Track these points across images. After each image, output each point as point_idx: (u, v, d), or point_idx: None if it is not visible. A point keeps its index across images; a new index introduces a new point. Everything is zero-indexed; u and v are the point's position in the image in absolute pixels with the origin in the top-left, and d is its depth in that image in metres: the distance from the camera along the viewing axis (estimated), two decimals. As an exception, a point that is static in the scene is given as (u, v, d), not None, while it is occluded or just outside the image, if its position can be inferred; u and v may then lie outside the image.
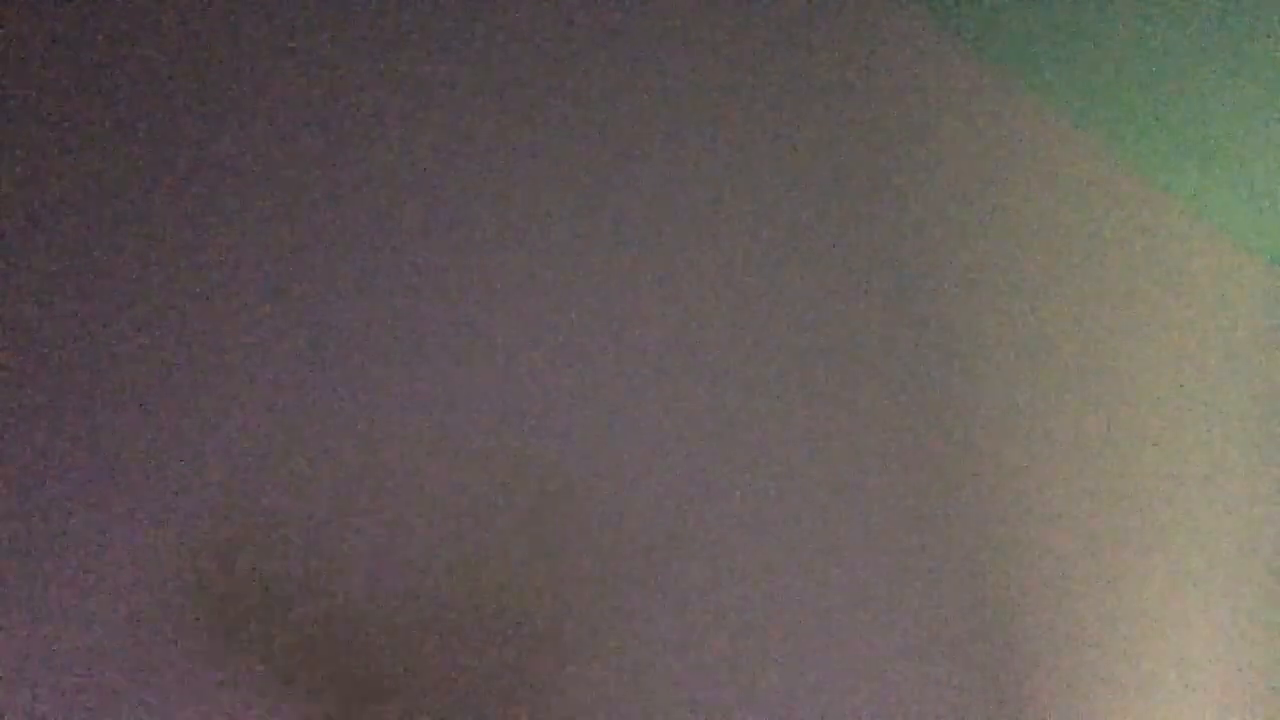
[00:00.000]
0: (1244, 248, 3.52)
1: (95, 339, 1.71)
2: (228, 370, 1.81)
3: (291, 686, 1.78)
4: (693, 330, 2.34)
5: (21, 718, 1.55)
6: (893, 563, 2.53)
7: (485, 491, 2.03)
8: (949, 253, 2.78)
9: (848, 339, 2.55)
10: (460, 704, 1.92)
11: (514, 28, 2.19)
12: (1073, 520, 2.90)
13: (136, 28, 1.81)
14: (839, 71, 2.66)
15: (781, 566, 2.37)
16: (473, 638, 1.96)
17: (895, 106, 2.77)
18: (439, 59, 2.11)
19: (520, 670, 2.00)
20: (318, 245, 1.94)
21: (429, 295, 2.03)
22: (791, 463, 2.42)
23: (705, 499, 2.29)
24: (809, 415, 2.47)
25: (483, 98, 2.15)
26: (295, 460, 1.84)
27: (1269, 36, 2.86)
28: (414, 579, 1.93)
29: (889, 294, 2.66)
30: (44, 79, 1.72)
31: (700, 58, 2.45)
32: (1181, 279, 3.32)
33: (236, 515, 1.78)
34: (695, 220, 2.39)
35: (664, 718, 2.13)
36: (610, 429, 2.20)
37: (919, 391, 2.66)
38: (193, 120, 1.84)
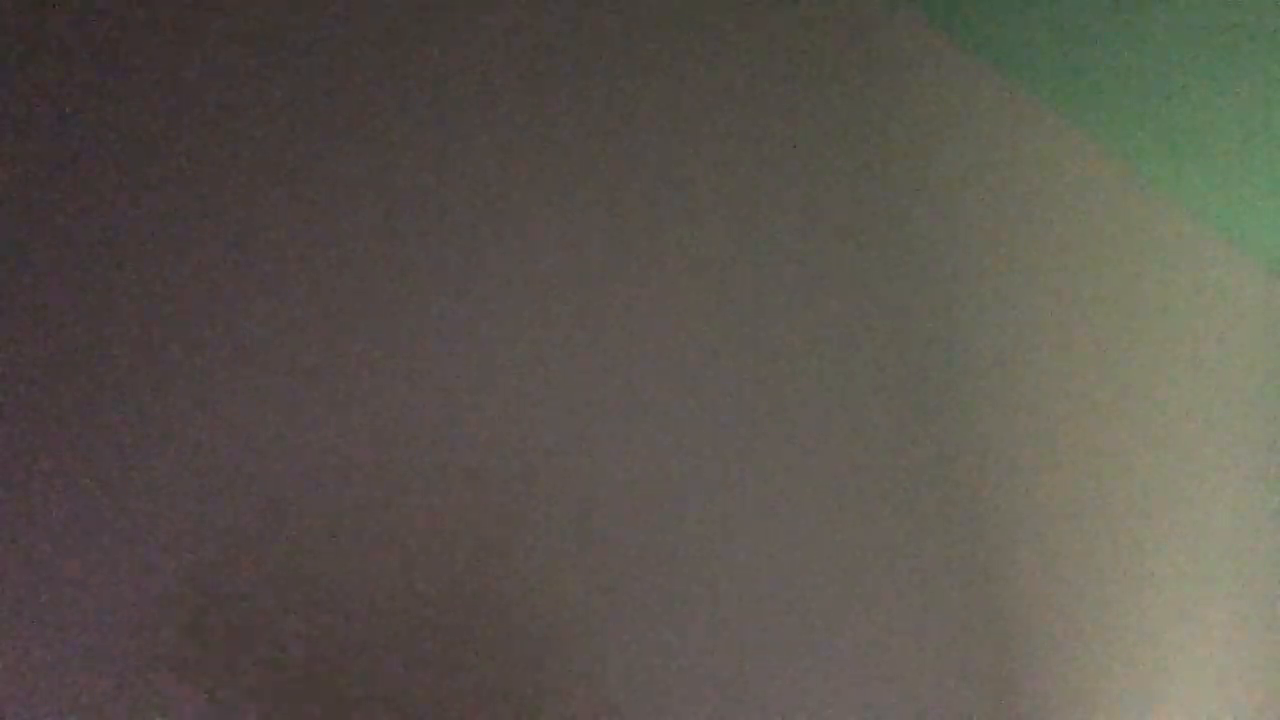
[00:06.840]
0: (1244, 251, 3.54)
1: (93, 341, 1.71)
2: (229, 370, 1.81)
3: (289, 693, 1.77)
4: (689, 333, 2.34)
5: (21, 718, 1.55)
6: (893, 564, 2.53)
7: (484, 492, 2.03)
8: (945, 255, 2.80)
9: (841, 341, 2.56)
10: (456, 712, 1.91)
11: (514, 27, 2.20)
12: (1073, 522, 2.90)
13: (135, 26, 1.81)
14: (834, 72, 2.67)
15: (780, 568, 2.37)
16: (471, 645, 1.95)
17: (893, 109, 2.78)
18: (437, 57, 2.12)
19: (520, 676, 2.00)
20: (313, 244, 1.94)
21: (428, 297, 2.03)
22: (791, 465, 2.42)
23: (702, 501, 2.29)
24: (808, 418, 2.47)
25: (482, 95, 2.15)
26: (297, 462, 1.84)
27: (1271, 40, 2.87)
28: (411, 584, 1.93)
29: (884, 296, 2.66)
30: (44, 78, 1.71)
31: (698, 61, 2.46)
32: (1181, 283, 3.34)
33: (237, 517, 1.77)
34: (690, 222, 2.39)
35: (659, 718, 2.14)
36: (616, 432, 2.20)
37: (917, 393, 2.67)
38: (189, 118, 1.84)
